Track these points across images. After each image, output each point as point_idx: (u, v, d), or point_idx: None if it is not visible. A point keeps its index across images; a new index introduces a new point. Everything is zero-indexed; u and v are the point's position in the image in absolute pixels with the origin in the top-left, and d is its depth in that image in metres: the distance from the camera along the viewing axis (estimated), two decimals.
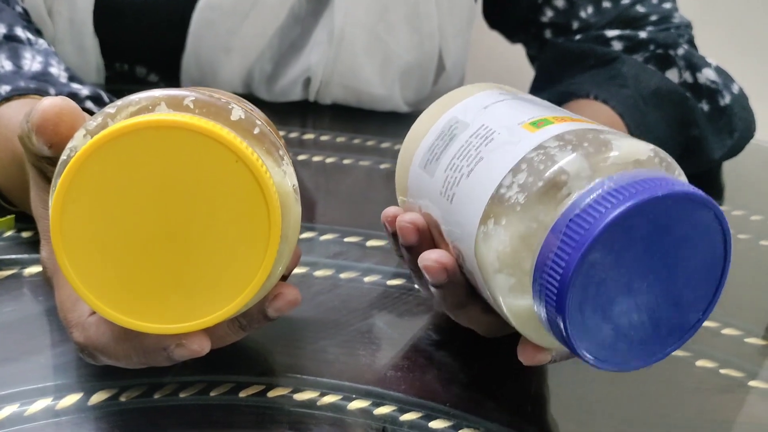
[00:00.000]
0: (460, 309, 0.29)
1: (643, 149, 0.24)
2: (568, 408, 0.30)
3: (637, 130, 0.48)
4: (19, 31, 0.42)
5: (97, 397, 0.27)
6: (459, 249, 0.27)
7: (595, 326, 0.23)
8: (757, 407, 0.32)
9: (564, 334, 0.23)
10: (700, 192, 0.23)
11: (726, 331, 0.36)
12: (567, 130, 0.25)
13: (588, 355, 0.23)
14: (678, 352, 0.34)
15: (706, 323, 0.37)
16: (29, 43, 0.42)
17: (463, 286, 0.28)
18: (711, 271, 0.24)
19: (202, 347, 0.24)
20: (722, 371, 0.33)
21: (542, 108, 0.28)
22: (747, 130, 0.53)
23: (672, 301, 0.24)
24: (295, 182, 0.24)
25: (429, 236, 0.29)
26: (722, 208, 0.51)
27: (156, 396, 0.27)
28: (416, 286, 0.32)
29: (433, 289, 0.28)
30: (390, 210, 0.31)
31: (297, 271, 0.36)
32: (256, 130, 0.23)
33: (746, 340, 0.36)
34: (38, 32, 0.47)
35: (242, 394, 0.28)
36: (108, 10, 0.53)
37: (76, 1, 0.52)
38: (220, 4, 0.52)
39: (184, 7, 0.53)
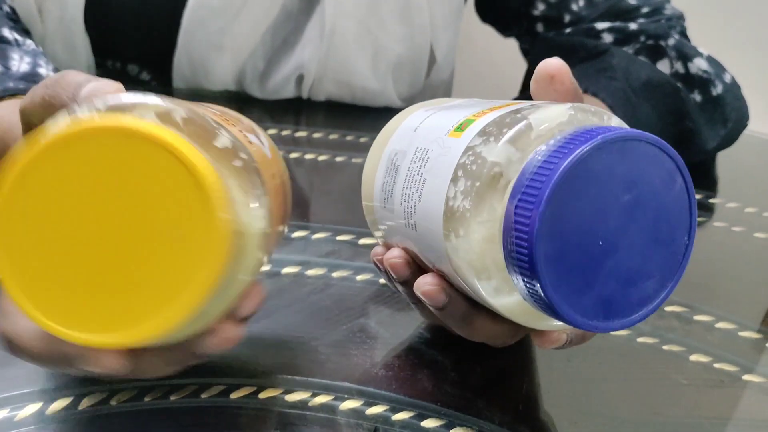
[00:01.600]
0: (468, 325, 0.28)
1: (561, 110, 0.24)
2: (560, 407, 0.30)
3: (628, 122, 0.48)
4: (6, 32, 0.42)
5: (87, 401, 0.27)
6: (442, 270, 0.27)
7: (577, 289, 0.22)
8: (751, 402, 0.32)
9: (547, 302, 0.22)
10: (632, 130, 0.23)
11: (720, 324, 0.36)
12: (487, 123, 0.25)
13: (578, 318, 0.23)
14: (672, 347, 0.34)
15: (699, 317, 0.37)
16: (17, 43, 0.42)
17: (462, 300, 0.27)
18: (679, 203, 0.23)
19: (115, 367, 0.22)
20: (716, 365, 0.33)
21: (465, 109, 0.28)
22: (740, 120, 0.53)
23: (649, 244, 0.23)
24: (266, 226, 0.23)
25: (417, 266, 0.29)
26: (716, 200, 0.51)
27: (146, 399, 0.27)
28: (423, 317, 0.32)
29: (436, 312, 0.28)
30: (377, 249, 0.31)
31: (289, 270, 0.36)
32: (238, 162, 0.22)
33: (740, 333, 0.36)
34: (26, 32, 0.47)
35: (233, 396, 0.28)
36: (98, 7, 0.52)
37: (67, 0, 0.52)
38: (210, 2, 0.52)
39: (175, 4, 0.52)
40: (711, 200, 0.52)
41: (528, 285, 0.23)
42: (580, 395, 0.31)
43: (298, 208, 0.44)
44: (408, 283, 0.29)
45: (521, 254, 0.22)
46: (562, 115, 0.24)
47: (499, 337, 0.29)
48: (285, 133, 0.53)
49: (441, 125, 0.27)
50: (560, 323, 0.25)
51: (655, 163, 0.23)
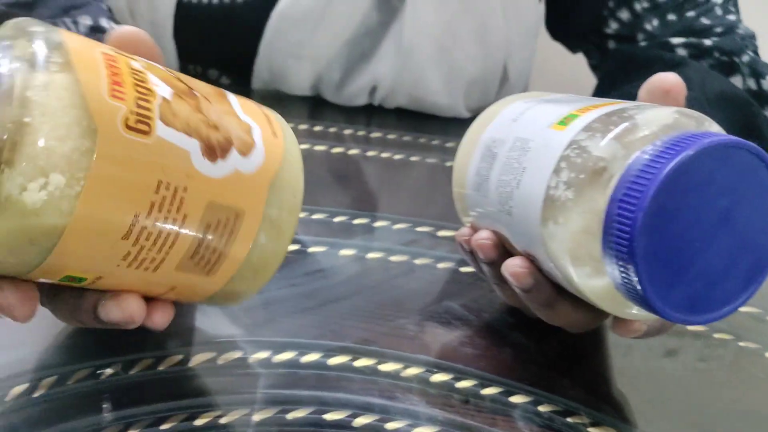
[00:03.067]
0: (550, 309, 0.30)
1: (667, 113, 0.25)
2: (640, 389, 0.31)
3: None
4: (104, 22, 0.45)
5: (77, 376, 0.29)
6: (532, 254, 0.28)
7: (668, 283, 0.24)
8: None
9: (640, 292, 0.23)
10: (734, 138, 0.24)
11: None
12: (592, 119, 0.26)
13: (667, 309, 0.24)
14: (747, 344, 0.35)
15: None
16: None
17: (548, 284, 0.29)
18: None
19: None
20: None
21: (566, 104, 0.29)
22: None
23: (738, 249, 0.24)
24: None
25: (504, 249, 0.30)
26: None
27: (330, 363, 0.29)
28: (504, 298, 0.33)
29: (522, 294, 0.29)
30: (463, 231, 0.32)
31: (373, 255, 0.38)
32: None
33: None
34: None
35: (330, 362, 0.30)
36: (187, 15, 0.55)
37: (158, 4, 0.55)
38: (293, 14, 0.54)
39: (259, 15, 0.55)
40: None
41: (624, 275, 0.24)
42: (659, 380, 0.32)
43: (376, 200, 0.45)
44: (494, 264, 0.30)
45: (621, 246, 0.23)
46: (667, 118, 0.25)
47: (579, 324, 0.30)
48: (360, 133, 0.55)
49: (542, 118, 0.29)
50: (642, 313, 0.26)
51: (753, 171, 0.24)
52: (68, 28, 0.41)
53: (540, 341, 0.33)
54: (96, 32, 0.43)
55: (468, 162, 0.32)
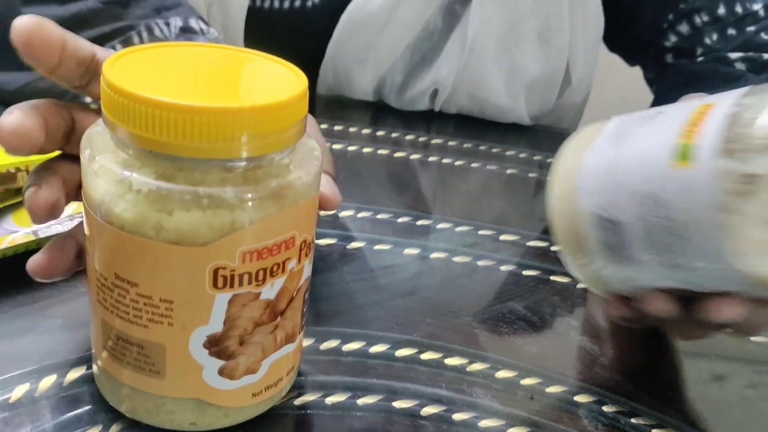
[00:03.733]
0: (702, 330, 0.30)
1: None
2: (706, 397, 0.31)
3: None
4: (193, 22, 0.46)
5: None
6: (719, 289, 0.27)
7: None
8: None
9: None
10: None
11: None
12: (716, 140, 0.25)
13: None
14: None
15: None
16: (202, 32, 0.46)
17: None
18: None
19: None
20: None
21: (653, 133, 0.28)
22: None
23: None
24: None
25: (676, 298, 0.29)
26: None
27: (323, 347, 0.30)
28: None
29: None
30: (618, 309, 0.31)
31: (437, 255, 0.39)
32: None
33: None
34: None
35: (398, 354, 0.31)
36: (259, 19, 0.57)
37: (231, 8, 0.57)
38: (360, 18, 0.55)
39: (328, 19, 0.56)
40: None
41: None
42: (726, 393, 0.32)
43: (438, 203, 0.46)
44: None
45: None
46: None
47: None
48: (421, 139, 0.56)
49: (649, 161, 0.27)
50: None
51: None
52: (161, 29, 0.43)
53: (604, 345, 0.33)
54: (186, 32, 0.44)
55: (577, 232, 0.30)
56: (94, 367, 0.25)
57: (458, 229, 0.42)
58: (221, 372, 0.23)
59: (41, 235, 0.32)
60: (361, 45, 0.56)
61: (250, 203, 0.21)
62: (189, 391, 0.23)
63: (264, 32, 0.57)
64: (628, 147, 0.28)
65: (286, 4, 0.56)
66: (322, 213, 0.38)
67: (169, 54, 0.24)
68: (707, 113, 0.26)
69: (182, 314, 0.22)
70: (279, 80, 0.23)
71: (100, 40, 0.41)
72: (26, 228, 0.33)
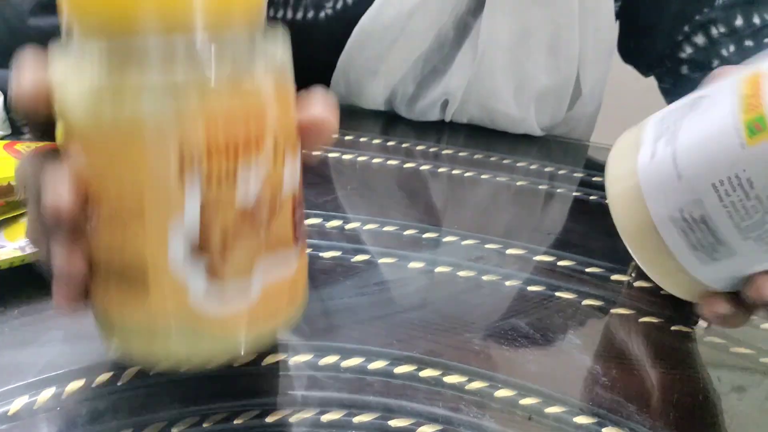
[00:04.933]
0: None
1: None
2: (710, 421, 0.31)
3: None
4: None
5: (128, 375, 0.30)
6: None
7: None
8: None
9: None
10: None
11: None
12: None
13: None
14: None
15: None
16: None
17: None
18: None
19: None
20: None
21: (712, 110, 0.27)
22: None
23: None
24: None
25: None
26: None
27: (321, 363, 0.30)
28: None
29: None
30: (718, 307, 0.31)
31: (442, 269, 0.39)
32: None
33: None
34: None
35: (396, 371, 0.30)
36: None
37: None
38: (374, 29, 0.55)
39: (340, 30, 0.56)
40: None
41: None
42: (732, 413, 0.31)
43: (445, 215, 0.46)
44: None
45: None
46: None
47: None
48: (432, 150, 0.56)
49: (717, 148, 0.26)
50: None
51: None
52: None
53: (608, 366, 0.33)
54: None
55: (654, 241, 0.30)
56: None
57: (464, 242, 0.42)
58: (208, 291, 0.22)
59: (28, 251, 0.32)
60: (372, 56, 0.56)
61: (211, 86, 0.20)
62: (177, 316, 0.22)
63: None
64: (685, 141, 0.27)
65: (299, 15, 0.57)
66: (317, 152, 0.35)
67: None
68: (760, 82, 0.25)
69: (155, 213, 0.21)
70: None
71: None
72: (14, 243, 0.33)
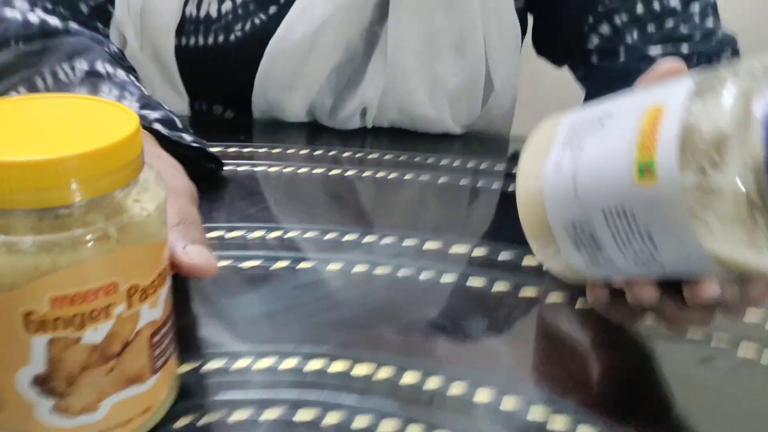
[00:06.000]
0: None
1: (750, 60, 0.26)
2: (693, 380, 0.32)
3: None
4: (99, 66, 0.47)
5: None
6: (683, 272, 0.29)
7: None
8: None
9: None
10: None
11: None
12: (670, 146, 0.26)
13: None
14: None
15: None
16: (108, 76, 0.47)
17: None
18: None
19: None
20: None
21: (603, 139, 0.29)
22: None
23: None
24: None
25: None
26: None
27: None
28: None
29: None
30: (598, 295, 0.33)
31: (359, 269, 0.40)
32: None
33: None
34: (129, 69, 0.53)
35: (306, 369, 0.32)
36: (187, 56, 0.59)
37: (161, 50, 0.58)
38: (284, 47, 0.57)
39: (252, 51, 0.58)
40: None
41: None
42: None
43: (367, 217, 0.48)
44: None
45: None
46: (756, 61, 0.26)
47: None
48: (357, 155, 0.58)
49: (610, 177, 0.28)
50: None
51: None
52: (65, 73, 0.44)
53: (513, 344, 0.35)
54: (92, 76, 0.46)
55: (547, 232, 0.32)
56: None
57: (383, 241, 0.44)
58: (55, 410, 0.24)
59: None
60: (287, 73, 0.58)
61: (55, 249, 0.22)
62: (26, 428, 0.24)
63: (195, 68, 0.59)
64: (586, 161, 0.29)
65: (210, 41, 0.58)
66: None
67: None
68: (659, 121, 0.27)
69: (2, 356, 0.23)
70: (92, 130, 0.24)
71: (12, 89, 0.43)
72: None
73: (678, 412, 0.31)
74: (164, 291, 0.26)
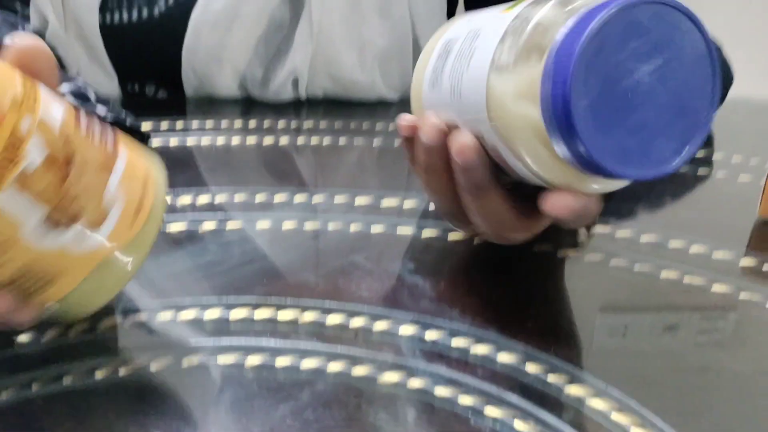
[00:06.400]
0: (482, 196, 0.31)
1: None
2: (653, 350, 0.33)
3: None
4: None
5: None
6: (478, 131, 0.30)
7: (601, 129, 0.25)
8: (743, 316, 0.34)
9: (576, 136, 0.25)
10: None
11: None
12: None
13: (602, 157, 0.25)
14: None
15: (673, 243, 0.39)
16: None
17: (487, 166, 0.30)
18: (703, 68, 0.26)
19: None
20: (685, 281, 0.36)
21: None
22: (726, 77, 0.56)
23: (676, 108, 0.26)
24: None
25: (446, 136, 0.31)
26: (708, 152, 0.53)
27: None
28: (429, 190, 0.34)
29: (460, 175, 0.31)
30: (405, 116, 0.34)
31: (289, 225, 0.40)
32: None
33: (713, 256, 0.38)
34: None
35: (231, 317, 0.32)
36: (112, 34, 0.58)
37: (85, 28, 0.58)
38: (206, 19, 0.57)
39: (177, 25, 0.57)
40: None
41: (557, 118, 0.25)
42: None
43: (300, 179, 0.48)
44: (432, 150, 0.32)
45: (557, 92, 0.25)
46: None
47: (507, 223, 0.32)
48: (293, 125, 0.57)
49: (493, 11, 0.31)
50: (578, 184, 0.28)
51: (686, 33, 0.26)
52: None
53: (435, 280, 0.35)
54: None
55: (425, 67, 0.35)
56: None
57: (314, 199, 0.44)
58: (86, 226, 0.25)
59: None
60: (212, 45, 0.57)
61: None
62: (78, 268, 0.26)
63: (121, 46, 0.58)
64: (484, 12, 0.33)
65: (135, 16, 0.57)
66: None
67: None
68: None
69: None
70: None
71: None
72: None
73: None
74: (43, 92, 0.25)
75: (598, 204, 0.29)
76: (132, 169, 0.27)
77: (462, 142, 0.30)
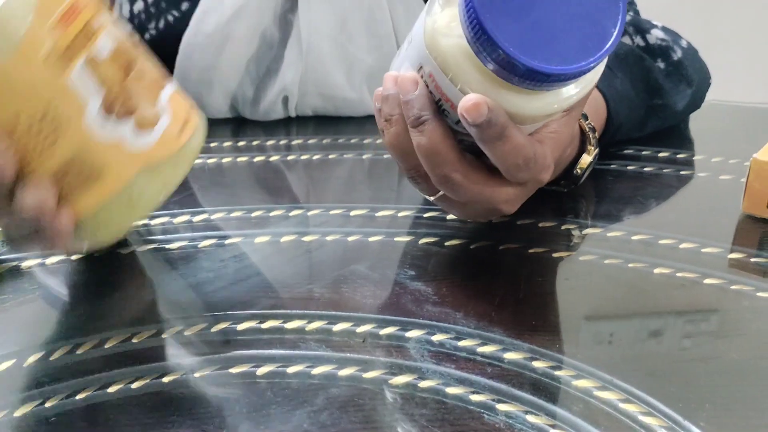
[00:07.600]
0: (423, 127, 0.33)
1: None
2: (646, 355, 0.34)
3: (610, 93, 0.50)
4: None
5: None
6: (428, 73, 0.32)
7: (507, 18, 0.27)
8: (706, 294, 0.35)
9: (485, 31, 0.27)
10: None
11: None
12: None
13: (507, 44, 0.27)
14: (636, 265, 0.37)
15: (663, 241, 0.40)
16: None
17: (427, 98, 0.33)
18: None
19: None
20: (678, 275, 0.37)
21: None
22: (704, 79, 0.57)
23: (583, 16, 0.28)
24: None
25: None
26: (689, 154, 0.55)
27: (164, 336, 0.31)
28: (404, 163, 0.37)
29: (405, 111, 0.34)
30: (378, 90, 0.36)
31: (287, 239, 0.41)
32: None
33: (703, 250, 0.39)
34: None
35: (239, 328, 0.32)
36: None
37: None
38: (197, 42, 0.57)
39: (168, 48, 0.58)
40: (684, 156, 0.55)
41: (474, 30, 0.28)
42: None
43: (293, 194, 0.48)
44: (389, 98, 0.35)
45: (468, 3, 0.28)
46: None
47: (459, 175, 0.33)
48: (282, 142, 0.58)
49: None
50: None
51: None
52: None
53: (437, 287, 0.35)
54: None
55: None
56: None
57: (310, 213, 0.44)
58: (136, 127, 0.28)
59: None
60: (203, 67, 0.58)
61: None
62: (125, 165, 0.28)
63: None
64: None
65: None
66: None
67: None
68: None
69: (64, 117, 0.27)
70: None
71: None
72: None
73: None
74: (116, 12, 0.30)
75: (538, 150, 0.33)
76: (178, 96, 0.32)
77: (402, 76, 0.33)
